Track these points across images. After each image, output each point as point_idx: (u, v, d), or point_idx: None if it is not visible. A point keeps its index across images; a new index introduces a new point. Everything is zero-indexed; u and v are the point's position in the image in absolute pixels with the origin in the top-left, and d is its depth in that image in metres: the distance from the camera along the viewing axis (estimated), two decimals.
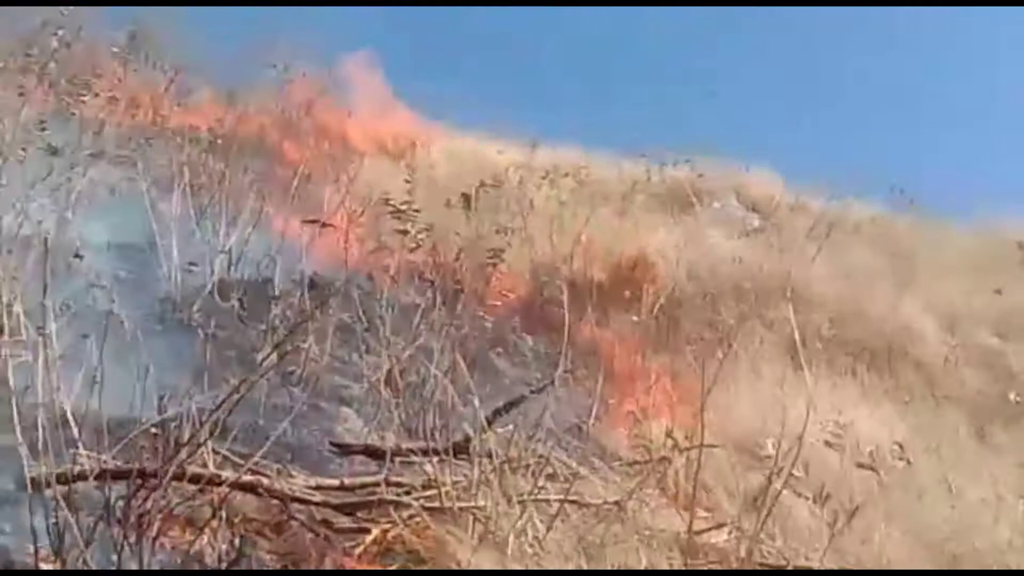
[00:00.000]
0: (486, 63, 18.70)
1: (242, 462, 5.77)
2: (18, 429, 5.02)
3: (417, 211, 9.23)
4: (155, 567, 5.16)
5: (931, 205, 16.80)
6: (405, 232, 9.22)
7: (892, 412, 10.56)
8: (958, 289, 14.02)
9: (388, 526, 5.95)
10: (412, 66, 16.19)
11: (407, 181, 9.50)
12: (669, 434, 7.24)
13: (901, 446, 8.95)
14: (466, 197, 9.68)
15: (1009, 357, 12.61)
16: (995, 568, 7.29)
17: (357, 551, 5.75)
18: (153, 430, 5.70)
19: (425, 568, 5.61)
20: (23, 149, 8.70)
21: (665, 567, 5.96)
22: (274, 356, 6.77)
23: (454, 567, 5.51)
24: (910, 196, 16.85)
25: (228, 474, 5.61)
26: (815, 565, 6.52)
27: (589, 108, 18.55)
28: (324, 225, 10.40)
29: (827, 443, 8.11)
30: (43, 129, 9.00)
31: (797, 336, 8.46)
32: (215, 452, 5.82)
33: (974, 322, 13.35)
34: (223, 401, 5.48)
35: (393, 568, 5.65)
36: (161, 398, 6.04)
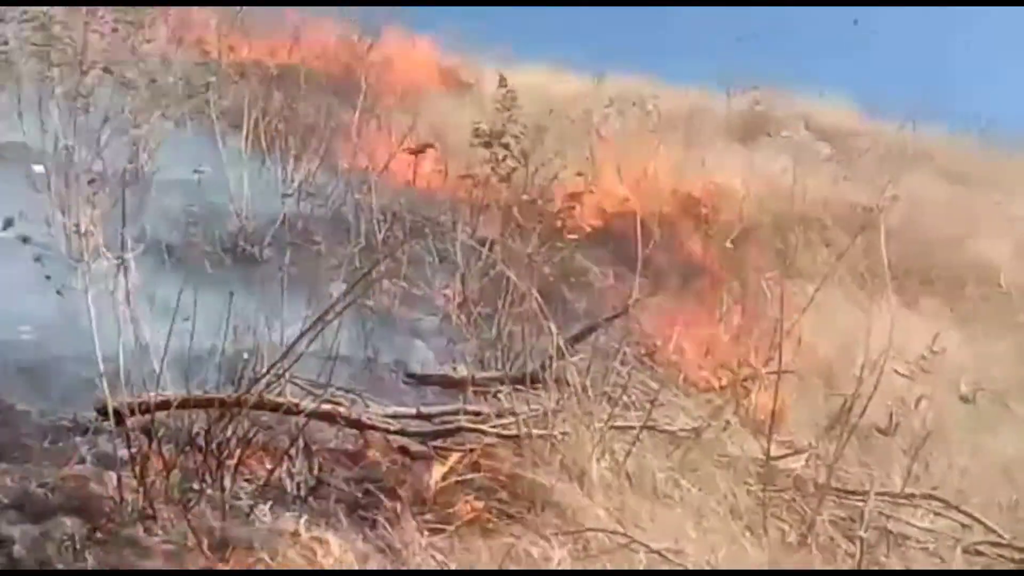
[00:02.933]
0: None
1: (318, 392, 5.81)
2: (100, 358, 5.07)
3: (516, 137, 9.14)
4: (236, 493, 5.21)
5: (1003, 132, 16.54)
6: (497, 161, 9.14)
7: (961, 339, 10.44)
8: None
9: (463, 453, 5.98)
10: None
11: (499, 110, 9.40)
12: (745, 361, 7.21)
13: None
14: (529, 129, 9.55)
15: None
16: None
17: (434, 478, 5.78)
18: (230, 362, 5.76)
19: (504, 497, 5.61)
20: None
21: (742, 493, 5.94)
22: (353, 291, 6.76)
23: (533, 492, 5.51)
24: (983, 123, 16.61)
25: (306, 404, 5.64)
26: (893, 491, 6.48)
27: (652, 36, 18.25)
28: (422, 151, 10.36)
29: (901, 373, 8.02)
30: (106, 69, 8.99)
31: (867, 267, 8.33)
32: (292, 382, 5.86)
33: None
34: (302, 334, 5.49)
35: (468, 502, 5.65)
36: (237, 330, 6.09)
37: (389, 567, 4.89)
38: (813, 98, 17.21)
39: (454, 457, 5.90)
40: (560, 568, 4.92)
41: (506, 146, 8.74)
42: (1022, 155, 16.41)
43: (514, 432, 5.96)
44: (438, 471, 5.84)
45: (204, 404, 5.34)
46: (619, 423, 6.13)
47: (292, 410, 5.58)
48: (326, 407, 5.76)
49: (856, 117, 17.27)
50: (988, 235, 13.32)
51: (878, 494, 6.30)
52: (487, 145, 8.71)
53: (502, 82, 9.77)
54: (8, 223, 6.63)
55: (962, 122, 16.79)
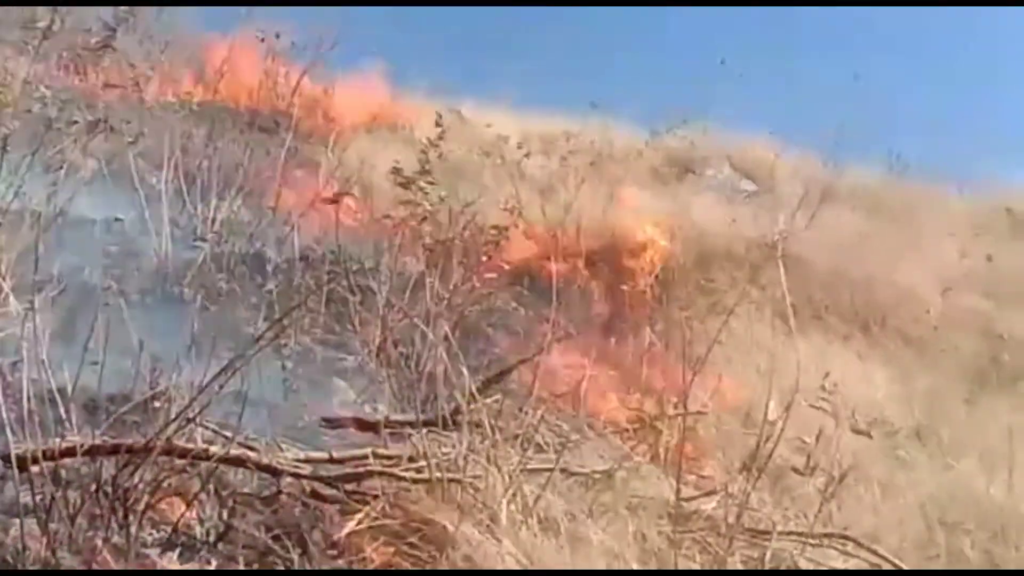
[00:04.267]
0: (465, 39, 18.52)
1: (230, 436, 5.78)
2: (3, 405, 5.03)
3: (432, 182, 9.18)
4: (144, 540, 5.17)
5: (925, 170, 16.84)
6: (413, 203, 9.18)
7: (884, 376, 10.60)
8: (950, 254, 14.03)
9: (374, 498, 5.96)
10: (387, 46, 16.03)
11: (423, 152, 9.44)
12: (659, 401, 7.26)
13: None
14: (454, 169, 9.62)
15: (1000, 322, 12.63)
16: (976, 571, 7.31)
17: (346, 529, 5.75)
18: (142, 405, 5.73)
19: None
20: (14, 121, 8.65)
21: (654, 534, 5.97)
22: (268, 334, 6.75)
23: (442, 537, 5.51)
24: (904, 162, 16.91)
25: (217, 448, 5.62)
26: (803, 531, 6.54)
27: (576, 78, 18.40)
28: (338, 200, 10.36)
29: (817, 407, 8.10)
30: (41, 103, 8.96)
31: (789, 302, 8.43)
32: (204, 426, 5.83)
33: (966, 287, 13.35)
34: (215, 377, 5.48)
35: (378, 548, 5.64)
36: (151, 372, 6.07)
37: None
38: (734, 137, 17.41)
39: (364, 510, 5.87)
40: None
41: (422, 188, 8.79)
42: (935, 189, 16.73)
43: (426, 476, 5.96)
44: (352, 520, 5.81)
45: (112, 451, 5.30)
46: (531, 466, 6.14)
47: (201, 455, 5.55)
48: (236, 452, 5.72)
49: (777, 153, 17.47)
50: (909, 269, 13.53)
51: (789, 533, 6.36)
52: (404, 186, 8.74)
53: (438, 121, 9.82)
54: None
55: (878, 157, 17.09)
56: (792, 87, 17.87)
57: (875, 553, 6.49)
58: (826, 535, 6.56)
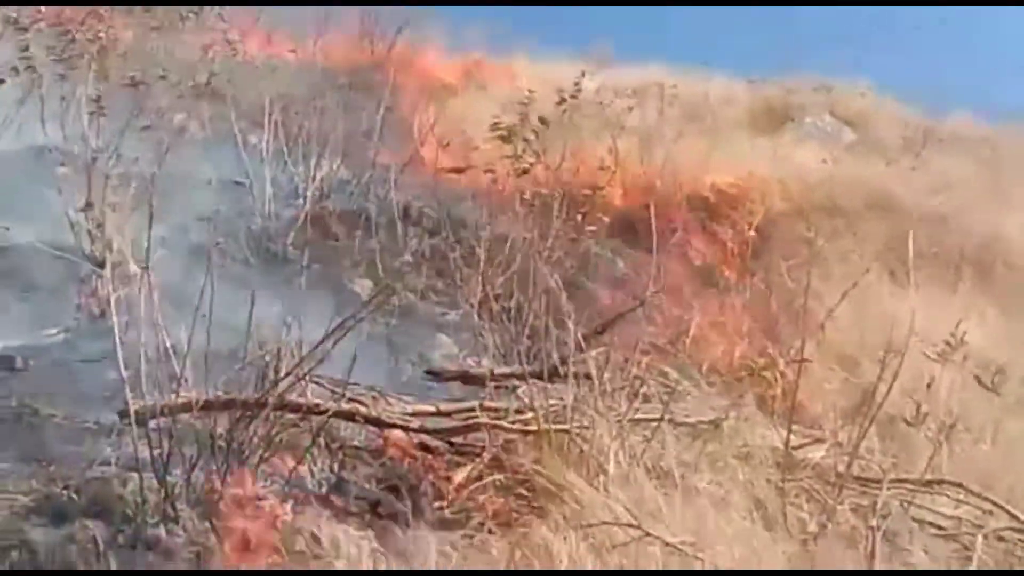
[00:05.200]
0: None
1: (340, 391, 5.85)
2: (121, 362, 5.13)
3: (535, 132, 9.17)
4: (258, 493, 5.26)
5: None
6: (514, 156, 9.18)
7: (995, 324, 10.39)
8: None
9: (483, 455, 6.00)
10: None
11: (522, 103, 9.43)
12: (764, 350, 7.20)
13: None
14: (543, 120, 9.55)
15: None
16: None
17: (456, 479, 5.80)
18: (254, 362, 5.80)
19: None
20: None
21: (763, 482, 5.94)
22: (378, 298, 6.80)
23: (552, 489, 5.53)
24: (1008, 106, 16.53)
25: (327, 403, 5.69)
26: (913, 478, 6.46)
27: (670, 29, 18.25)
28: (463, 171, 10.39)
29: (929, 356, 7.98)
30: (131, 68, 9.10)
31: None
32: (315, 382, 5.91)
33: None
34: (327, 335, 5.54)
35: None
36: (260, 329, 6.14)
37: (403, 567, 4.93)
38: (834, 84, 17.14)
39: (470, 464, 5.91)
40: (573, 568, 4.95)
41: (525, 140, 8.77)
42: None
43: (533, 428, 5.98)
44: (461, 471, 5.86)
45: (226, 406, 5.40)
46: (638, 416, 6.14)
47: (313, 410, 5.63)
48: (347, 406, 5.80)
49: (877, 103, 17.19)
50: (1016, 216, 13.24)
51: (898, 481, 6.29)
52: (505, 140, 8.72)
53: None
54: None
55: (984, 108, 16.71)
56: (886, 34, 17.54)
57: (987, 500, 6.39)
58: (937, 482, 6.47)
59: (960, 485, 6.45)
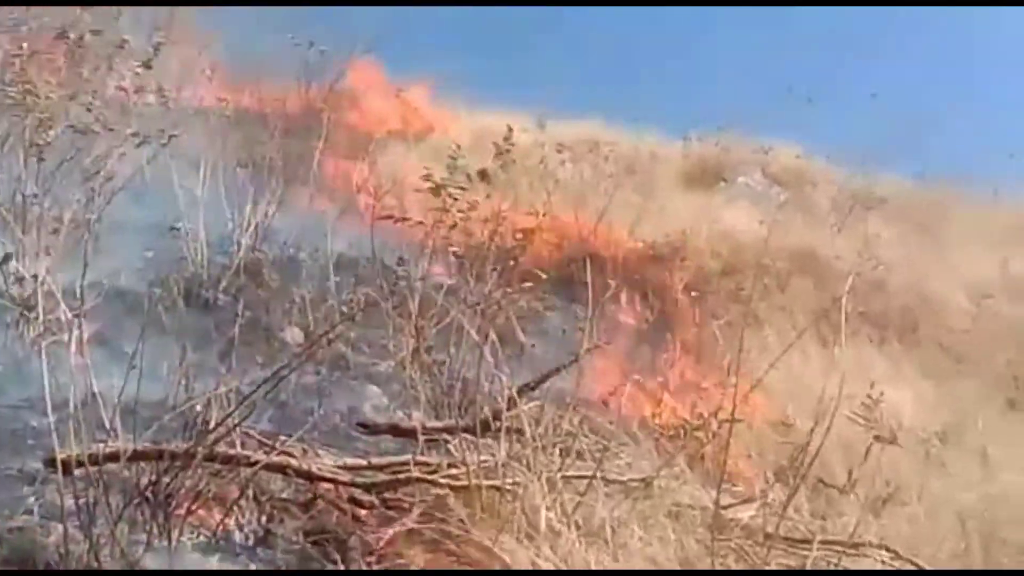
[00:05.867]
0: (492, 45, 18.56)
1: (269, 442, 5.81)
2: (49, 410, 5.06)
3: (463, 188, 9.17)
4: (184, 545, 5.20)
5: (955, 178, 16.79)
6: (444, 209, 9.17)
7: (921, 386, 10.54)
8: (983, 261, 13.97)
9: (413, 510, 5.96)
10: (415, 52, 16.08)
11: (452, 157, 9.44)
12: (695, 410, 7.23)
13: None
14: (483, 173, 9.57)
15: None
16: None
17: (387, 534, 5.76)
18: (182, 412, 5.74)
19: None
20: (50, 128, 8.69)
21: (692, 542, 5.96)
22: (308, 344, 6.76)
23: (482, 546, 5.51)
24: (938, 169, 16.86)
25: (256, 455, 5.64)
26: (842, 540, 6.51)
27: (608, 85, 18.42)
28: (396, 220, 10.33)
29: (855, 417, 8.06)
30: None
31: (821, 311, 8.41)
32: (245, 433, 5.86)
33: (1002, 294, 13.30)
34: (259, 386, 5.51)
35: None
36: (190, 378, 6.08)
37: None
38: (765, 145, 17.38)
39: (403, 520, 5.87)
40: None
41: (451, 195, 8.76)
42: (970, 199, 16.67)
43: (465, 483, 5.96)
44: (391, 526, 5.82)
45: (154, 456, 5.33)
46: (571, 473, 6.13)
47: (242, 462, 5.57)
48: (276, 458, 5.75)
49: (810, 164, 17.48)
50: (943, 277, 13.48)
51: (827, 543, 6.32)
52: (435, 192, 8.72)
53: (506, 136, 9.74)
54: None
55: (909, 168, 17.07)
56: (821, 98, 17.85)
57: (913, 564, 6.46)
58: (864, 544, 6.52)
59: (888, 548, 6.51)
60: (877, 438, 8.10)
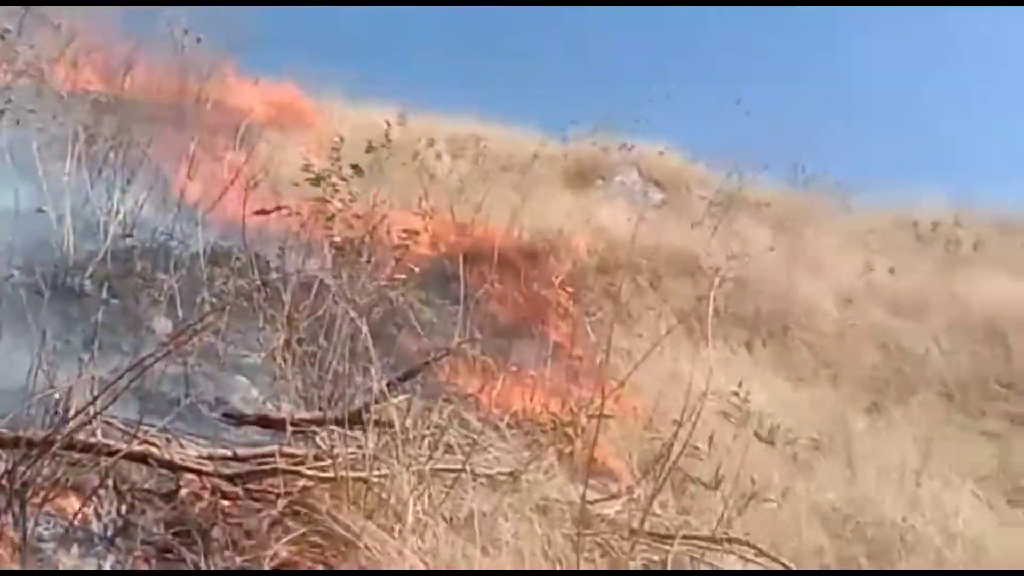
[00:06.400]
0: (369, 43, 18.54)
1: (131, 431, 5.68)
2: None
3: (344, 179, 9.09)
4: (40, 535, 5.07)
5: (831, 183, 17.18)
6: (324, 200, 9.08)
7: (786, 387, 10.74)
8: (853, 266, 14.29)
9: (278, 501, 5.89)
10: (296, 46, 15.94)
11: (334, 148, 9.36)
12: (566, 405, 7.27)
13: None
14: (356, 167, 9.52)
15: (901, 334, 12.87)
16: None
17: (250, 526, 5.68)
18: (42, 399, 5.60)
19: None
20: None
21: (559, 536, 5.98)
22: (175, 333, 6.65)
23: (348, 538, 5.46)
24: (810, 175, 17.22)
25: (118, 443, 5.52)
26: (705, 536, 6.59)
27: (486, 82, 18.46)
28: (271, 212, 10.20)
29: (724, 415, 8.20)
30: None
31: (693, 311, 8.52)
32: (106, 422, 5.72)
33: (868, 299, 13.61)
34: (121, 375, 5.39)
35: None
36: (52, 366, 5.94)
37: None
38: (643, 146, 17.54)
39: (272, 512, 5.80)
40: None
41: (333, 185, 8.71)
42: (839, 201, 17.07)
43: (331, 475, 5.90)
44: (254, 517, 5.74)
45: (10, 444, 5.19)
46: (439, 466, 6.12)
47: (102, 451, 5.44)
48: (138, 448, 5.63)
49: (687, 165, 17.71)
50: (812, 280, 13.74)
51: (689, 538, 6.40)
52: (314, 183, 8.66)
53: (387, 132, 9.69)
54: None
55: (791, 172, 17.40)
56: (700, 103, 18.12)
57: (774, 560, 6.56)
58: (727, 539, 6.61)
59: (750, 544, 6.60)
60: (759, 438, 8.28)
